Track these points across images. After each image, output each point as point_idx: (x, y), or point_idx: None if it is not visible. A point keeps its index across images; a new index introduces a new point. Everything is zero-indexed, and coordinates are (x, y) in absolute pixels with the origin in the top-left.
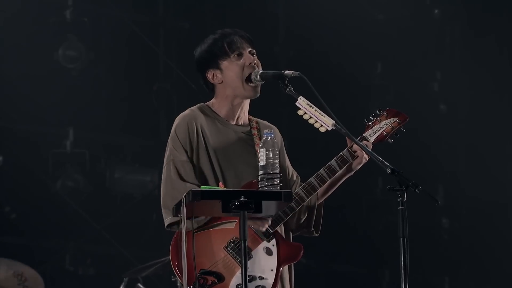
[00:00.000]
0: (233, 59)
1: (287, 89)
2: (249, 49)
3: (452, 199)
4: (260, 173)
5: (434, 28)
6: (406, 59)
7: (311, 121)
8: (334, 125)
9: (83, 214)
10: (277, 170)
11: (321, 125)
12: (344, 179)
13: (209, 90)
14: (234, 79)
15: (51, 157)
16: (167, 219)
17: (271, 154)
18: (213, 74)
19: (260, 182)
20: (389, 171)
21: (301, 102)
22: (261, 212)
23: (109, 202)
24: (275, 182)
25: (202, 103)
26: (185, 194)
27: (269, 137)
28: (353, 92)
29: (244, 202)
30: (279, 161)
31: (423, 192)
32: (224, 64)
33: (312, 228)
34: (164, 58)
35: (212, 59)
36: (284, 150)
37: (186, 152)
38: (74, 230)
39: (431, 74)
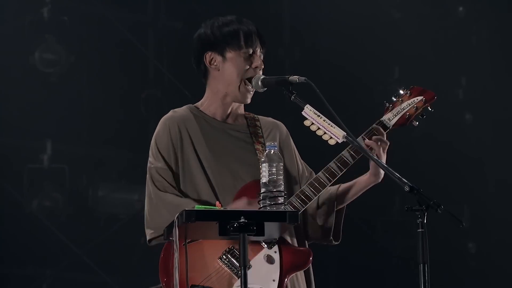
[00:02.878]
0: (242, 54)
1: (292, 97)
2: (260, 52)
3: (479, 220)
4: (262, 191)
5: (458, 27)
6: (426, 63)
7: (319, 132)
8: (345, 137)
9: (62, 237)
10: (281, 188)
11: (331, 137)
12: (369, 186)
13: (201, 75)
14: (234, 75)
15: (26, 173)
16: (148, 233)
17: (274, 169)
18: (213, 58)
19: (262, 201)
20: (407, 188)
21: (308, 111)
22: (263, 235)
23: (91, 224)
24: (279, 201)
25: (190, 104)
26: (177, 215)
27: (272, 151)
28: (367, 100)
29: (244, 223)
30: (286, 162)
31: (445, 212)
32: (231, 54)
33: (331, 237)
34: (154, 62)
35: (220, 43)
36: (292, 144)
37: (164, 159)
38: (52, 255)
39: (455, 79)
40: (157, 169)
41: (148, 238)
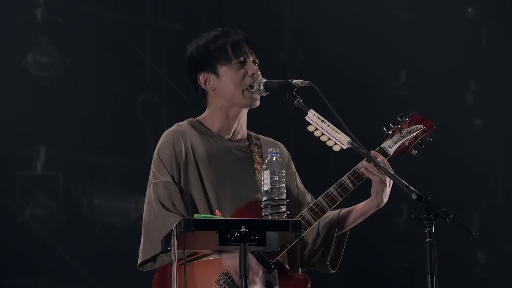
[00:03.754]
0: (234, 66)
1: (296, 101)
2: (253, 58)
3: (489, 230)
4: (263, 199)
5: (467, 29)
6: (434, 65)
7: (323, 138)
8: (350, 143)
9: (55, 247)
10: (284, 196)
11: (335, 143)
12: (371, 209)
13: (200, 97)
14: (233, 87)
15: (18, 180)
16: (140, 255)
17: (276, 177)
18: (207, 78)
19: (263, 210)
20: (414, 197)
21: (312, 116)
22: (264, 245)
23: (86, 233)
24: (281, 210)
25: (192, 118)
26: (175, 224)
27: (274, 157)
28: (373, 105)
29: (245, 233)
30: (286, 184)
31: (454, 221)
32: (223, 69)
33: (327, 262)
34: (152, 65)
35: (209, 61)
36: (293, 167)
37: (170, 174)
38: (45, 266)
39: (464, 83)
40: (165, 184)
41: (138, 262)
